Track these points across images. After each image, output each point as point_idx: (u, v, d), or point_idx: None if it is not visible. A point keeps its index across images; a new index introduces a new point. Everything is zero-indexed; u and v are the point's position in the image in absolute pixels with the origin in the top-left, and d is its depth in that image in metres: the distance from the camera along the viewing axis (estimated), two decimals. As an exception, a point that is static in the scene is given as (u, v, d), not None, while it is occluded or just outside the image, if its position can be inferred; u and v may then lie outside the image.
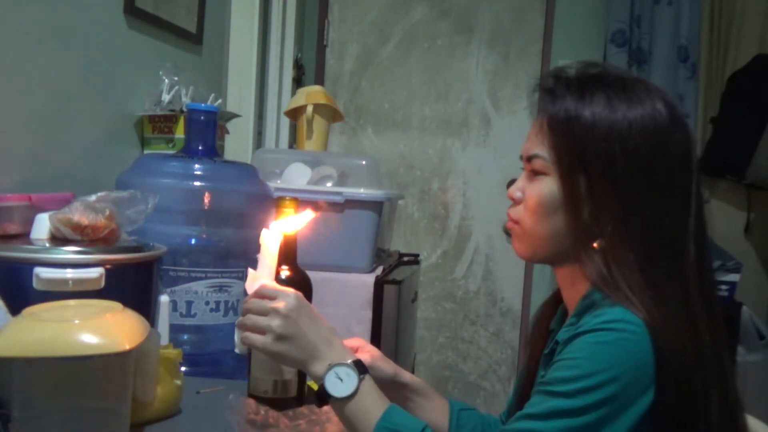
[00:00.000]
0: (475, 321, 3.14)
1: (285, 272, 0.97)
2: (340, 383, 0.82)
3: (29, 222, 1.01)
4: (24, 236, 1.01)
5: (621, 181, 0.80)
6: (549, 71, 0.89)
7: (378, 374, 0.93)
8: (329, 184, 1.73)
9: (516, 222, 0.88)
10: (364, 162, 1.82)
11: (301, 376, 0.99)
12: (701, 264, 0.81)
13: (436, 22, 3.11)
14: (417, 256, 2.23)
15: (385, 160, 3.05)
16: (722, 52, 2.96)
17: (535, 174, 0.85)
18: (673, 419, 0.75)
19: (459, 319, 3.14)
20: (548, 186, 0.83)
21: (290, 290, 0.86)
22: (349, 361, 0.83)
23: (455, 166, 3.11)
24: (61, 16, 1.31)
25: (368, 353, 0.96)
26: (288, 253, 0.97)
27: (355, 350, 0.95)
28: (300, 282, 0.98)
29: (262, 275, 0.87)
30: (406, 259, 2.13)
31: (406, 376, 0.99)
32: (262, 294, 0.85)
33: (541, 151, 0.84)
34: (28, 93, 1.23)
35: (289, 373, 0.99)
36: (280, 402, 0.97)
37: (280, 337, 0.83)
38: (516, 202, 0.88)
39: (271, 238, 0.89)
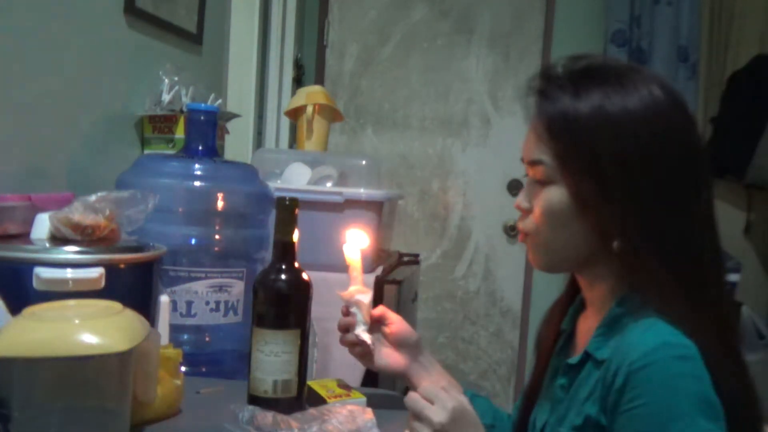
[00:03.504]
0: (475, 321, 3.14)
1: (284, 273, 0.97)
2: None
3: (29, 222, 1.01)
4: (24, 236, 1.01)
5: (629, 173, 0.77)
6: (537, 72, 0.86)
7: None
8: (329, 184, 1.73)
9: (528, 235, 0.85)
10: (364, 162, 1.82)
11: (301, 376, 0.99)
12: (715, 252, 0.81)
13: (436, 22, 3.11)
14: (417, 256, 2.23)
15: (385, 160, 3.04)
16: (722, 52, 2.95)
17: (540, 183, 0.82)
18: None
19: (459, 319, 3.14)
20: (557, 194, 0.80)
21: (451, 399, 0.77)
22: None
23: (455, 166, 3.11)
24: (61, 15, 1.31)
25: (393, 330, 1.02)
26: (287, 254, 0.97)
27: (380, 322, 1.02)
28: (300, 282, 0.98)
29: (356, 288, 1.01)
30: (406, 259, 2.13)
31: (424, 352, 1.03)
32: (422, 394, 0.78)
33: (545, 156, 0.81)
34: (28, 93, 1.23)
35: (289, 373, 0.99)
36: (280, 402, 0.97)
37: None
38: (524, 212, 0.85)
39: (353, 249, 1.01)
